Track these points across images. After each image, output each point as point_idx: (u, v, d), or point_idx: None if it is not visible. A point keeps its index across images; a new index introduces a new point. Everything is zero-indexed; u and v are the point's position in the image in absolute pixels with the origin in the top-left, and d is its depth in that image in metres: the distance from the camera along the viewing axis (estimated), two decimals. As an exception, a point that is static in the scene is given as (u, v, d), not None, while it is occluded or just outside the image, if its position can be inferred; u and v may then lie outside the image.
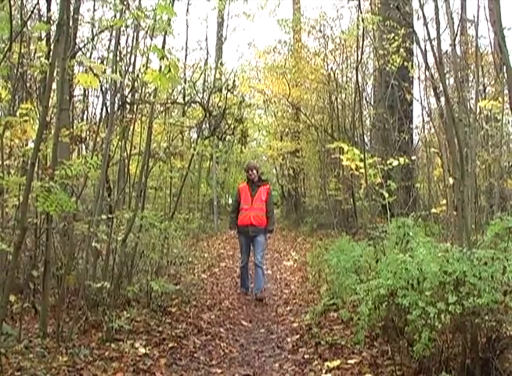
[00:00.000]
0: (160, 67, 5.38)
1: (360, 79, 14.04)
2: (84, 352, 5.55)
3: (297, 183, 24.59)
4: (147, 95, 10.74)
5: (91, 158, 6.23)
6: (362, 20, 10.08)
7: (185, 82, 15.46)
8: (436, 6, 6.47)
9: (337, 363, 5.60)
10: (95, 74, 5.69)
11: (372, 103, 17.97)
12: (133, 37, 9.90)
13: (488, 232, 5.19)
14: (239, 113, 16.79)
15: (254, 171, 9.94)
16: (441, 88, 7.09)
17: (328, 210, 17.67)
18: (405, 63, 12.67)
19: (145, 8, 8.28)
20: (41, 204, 5.14)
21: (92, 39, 12.11)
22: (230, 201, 26.17)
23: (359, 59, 9.94)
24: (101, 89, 10.00)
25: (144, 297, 7.75)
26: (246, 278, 10.30)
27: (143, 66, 8.57)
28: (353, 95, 15.25)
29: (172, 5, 6.56)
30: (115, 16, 9.10)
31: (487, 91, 13.76)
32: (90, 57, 11.86)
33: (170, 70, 5.13)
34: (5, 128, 6.52)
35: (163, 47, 7.34)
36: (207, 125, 15.59)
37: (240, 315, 8.57)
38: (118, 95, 8.82)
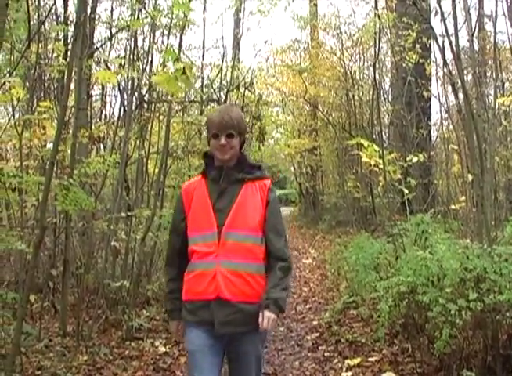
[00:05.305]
0: (176, 69, 5.22)
1: (377, 76, 13.92)
2: (104, 351, 5.57)
3: (315, 181, 24.49)
4: (165, 94, 10.74)
5: (110, 156, 6.27)
6: (379, 17, 10.01)
7: (202, 80, 15.44)
8: (453, 1, 6.43)
9: (357, 360, 5.60)
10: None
11: (389, 99, 17.87)
12: (150, 36, 9.92)
13: (508, 228, 5.16)
14: (257, 111, 16.77)
15: (234, 141, 3.10)
16: (460, 84, 7.03)
17: (346, 207, 17.61)
18: (422, 60, 12.58)
19: (161, 6, 8.32)
20: (60, 202, 5.17)
21: (110, 39, 12.15)
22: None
23: (376, 55, 9.88)
24: (119, 88, 10.05)
25: (163, 295, 7.77)
26: None
27: (160, 65, 8.59)
28: (370, 92, 15.18)
29: (189, 1, 6.53)
30: (132, 15, 9.14)
31: (505, 86, 13.61)
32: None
33: (184, 73, 5.06)
34: (24, 128, 6.56)
35: (180, 46, 7.35)
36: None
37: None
38: (136, 94, 8.84)
